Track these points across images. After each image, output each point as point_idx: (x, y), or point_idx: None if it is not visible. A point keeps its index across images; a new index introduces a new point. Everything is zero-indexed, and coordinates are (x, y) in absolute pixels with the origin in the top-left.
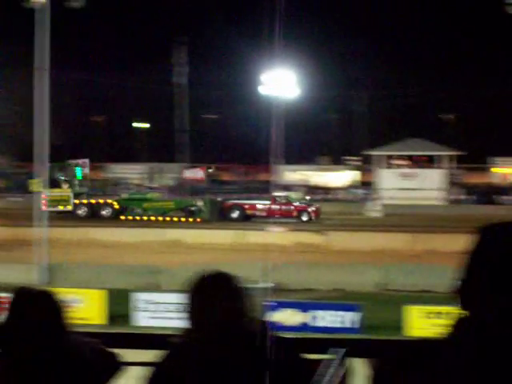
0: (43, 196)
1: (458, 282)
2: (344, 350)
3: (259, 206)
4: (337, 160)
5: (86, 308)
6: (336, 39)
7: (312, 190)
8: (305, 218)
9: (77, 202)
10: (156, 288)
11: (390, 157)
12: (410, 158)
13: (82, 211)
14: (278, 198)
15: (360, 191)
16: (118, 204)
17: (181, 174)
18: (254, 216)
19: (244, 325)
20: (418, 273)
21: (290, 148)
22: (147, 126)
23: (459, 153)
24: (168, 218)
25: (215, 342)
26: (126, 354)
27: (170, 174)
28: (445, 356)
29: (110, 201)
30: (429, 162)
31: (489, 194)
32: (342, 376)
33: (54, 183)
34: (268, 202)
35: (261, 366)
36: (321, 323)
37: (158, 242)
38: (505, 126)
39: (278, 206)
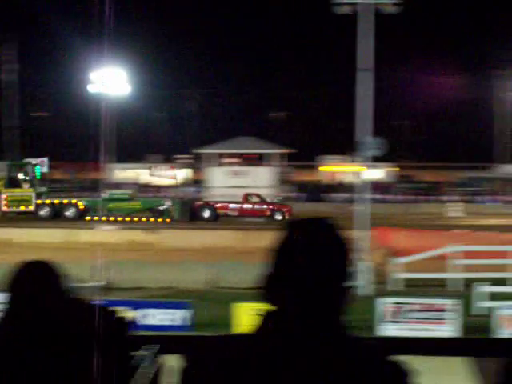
0: (3, 196)
1: (264, 277)
2: (157, 346)
3: (231, 206)
4: (168, 158)
5: None
6: (168, 38)
7: (143, 188)
8: (279, 217)
9: (39, 202)
10: None
11: (221, 155)
12: (240, 156)
13: (44, 212)
14: (249, 197)
15: (191, 189)
16: (84, 204)
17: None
18: (225, 215)
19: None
20: (248, 270)
21: (121, 146)
22: None
23: (289, 151)
24: (136, 219)
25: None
26: None
27: None
28: (251, 350)
29: (74, 201)
30: (259, 160)
31: (318, 191)
32: (154, 372)
33: (13, 183)
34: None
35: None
36: (151, 321)
37: None
38: (334, 124)
39: (250, 205)
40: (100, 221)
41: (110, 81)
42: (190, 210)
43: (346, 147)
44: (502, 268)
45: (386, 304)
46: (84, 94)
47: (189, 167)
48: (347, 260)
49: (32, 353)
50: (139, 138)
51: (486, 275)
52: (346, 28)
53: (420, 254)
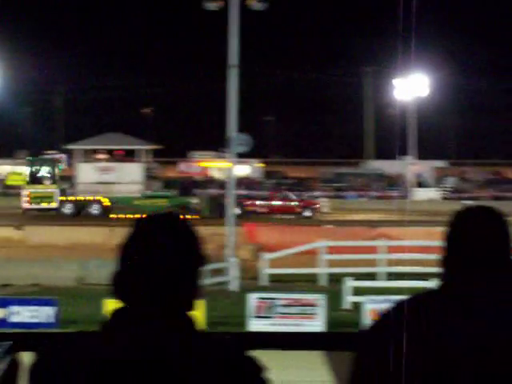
0: (25, 193)
1: (113, 273)
2: (9, 343)
3: (258, 203)
4: (36, 154)
5: None
6: (34, 33)
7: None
8: (308, 214)
9: (62, 199)
10: None
11: (91, 151)
12: (110, 152)
13: (67, 209)
14: (278, 194)
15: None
16: (110, 201)
17: None
18: (254, 212)
19: None
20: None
21: None
22: None
23: (157, 147)
24: None
25: None
26: None
27: None
28: (97, 347)
29: (98, 198)
30: (128, 155)
31: (190, 187)
32: (4, 369)
33: (35, 179)
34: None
35: None
36: (18, 319)
37: None
38: (203, 120)
39: (279, 202)
40: (124, 218)
41: None
42: (221, 207)
43: (217, 143)
44: (369, 263)
45: (254, 299)
46: None
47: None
48: (196, 256)
49: None
50: (6, 134)
51: (354, 270)
52: (218, 24)
53: (289, 249)
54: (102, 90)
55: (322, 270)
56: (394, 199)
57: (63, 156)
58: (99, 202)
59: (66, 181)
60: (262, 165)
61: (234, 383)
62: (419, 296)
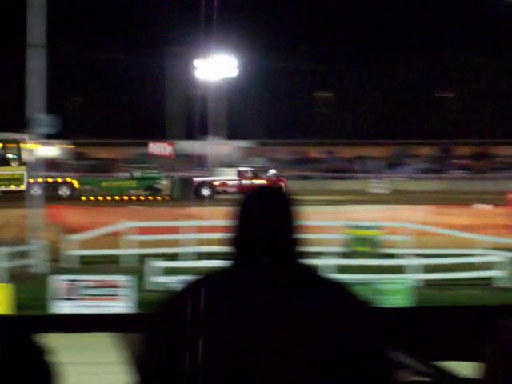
0: None
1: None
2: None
3: (229, 183)
4: None
5: None
6: None
7: None
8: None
9: (31, 180)
10: None
11: None
12: None
13: (35, 191)
14: (245, 173)
15: None
16: (79, 183)
17: None
18: (224, 192)
19: None
20: None
21: None
22: None
23: None
24: (126, 198)
25: None
26: None
27: None
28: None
29: (69, 179)
30: None
31: None
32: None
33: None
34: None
35: None
36: None
37: None
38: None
39: (248, 182)
40: (89, 200)
41: None
42: (191, 188)
43: (19, 124)
44: (174, 243)
45: (59, 282)
46: None
47: None
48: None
49: None
50: None
51: (160, 250)
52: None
53: (94, 230)
54: None
55: (128, 251)
56: None
57: (25, 137)
58: (70, 184)
59: None
60: (70, 146)
61: (15, 367)
62: (209, 276)
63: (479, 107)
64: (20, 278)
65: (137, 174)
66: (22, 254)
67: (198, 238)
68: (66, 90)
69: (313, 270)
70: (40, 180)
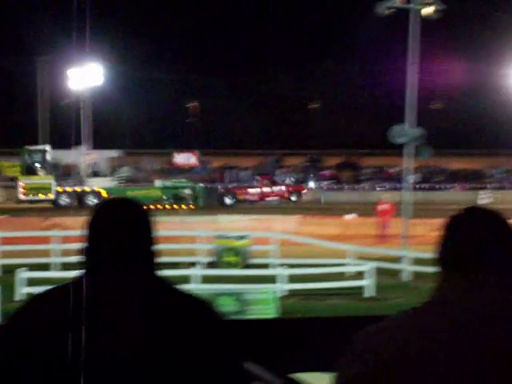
0: (21, 184)
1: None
2: None
3: (251, 191)
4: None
5: None
6: None
7: None
8: (294, 198)
9: (60, 189)
10: None
11: None
12: None
13: (63, 200)
14: (265, 181)
15: None
16: (107, 193)
17: None
18: (246, 200)
19: None
20: None
21: None
22: None
23: None
24: (160, 207)
25: None
26: None
27: None
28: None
29: (97, 189)
30: None
31: None
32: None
33: (30, 170)
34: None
35: None
36: None
37: None
38: None
39: (269, 189)
40: None
41: None
42: (216, 197)
43: None
44: (44, 253)
45: None
46: None
47: None
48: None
49: None
50: None
51: (29, 261)
52: None
53: None
54: None
55: None
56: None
57: (47, 147)
58: (97, 193)
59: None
60: None
61: None
62: (56, 287)
63: (345, 118)
64: None
65: (163, 183)
66: None
67: (64, 248)
68: None
69: (165, 281)
70: (68, 189)
